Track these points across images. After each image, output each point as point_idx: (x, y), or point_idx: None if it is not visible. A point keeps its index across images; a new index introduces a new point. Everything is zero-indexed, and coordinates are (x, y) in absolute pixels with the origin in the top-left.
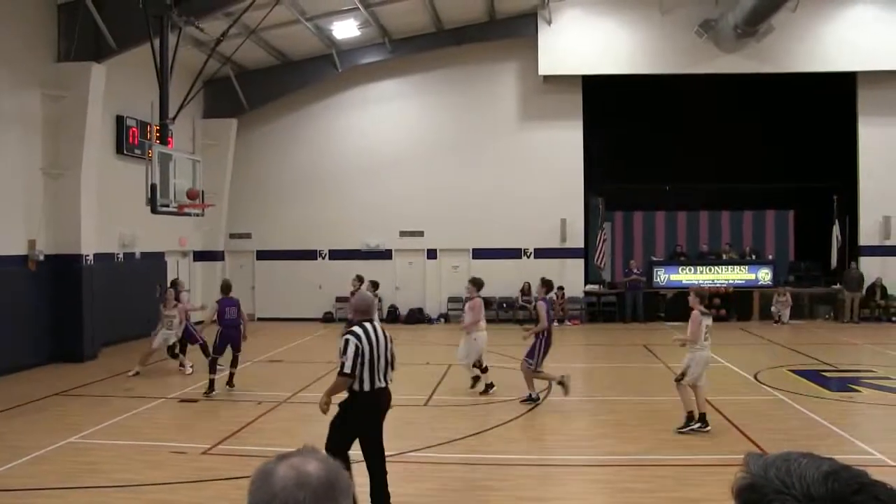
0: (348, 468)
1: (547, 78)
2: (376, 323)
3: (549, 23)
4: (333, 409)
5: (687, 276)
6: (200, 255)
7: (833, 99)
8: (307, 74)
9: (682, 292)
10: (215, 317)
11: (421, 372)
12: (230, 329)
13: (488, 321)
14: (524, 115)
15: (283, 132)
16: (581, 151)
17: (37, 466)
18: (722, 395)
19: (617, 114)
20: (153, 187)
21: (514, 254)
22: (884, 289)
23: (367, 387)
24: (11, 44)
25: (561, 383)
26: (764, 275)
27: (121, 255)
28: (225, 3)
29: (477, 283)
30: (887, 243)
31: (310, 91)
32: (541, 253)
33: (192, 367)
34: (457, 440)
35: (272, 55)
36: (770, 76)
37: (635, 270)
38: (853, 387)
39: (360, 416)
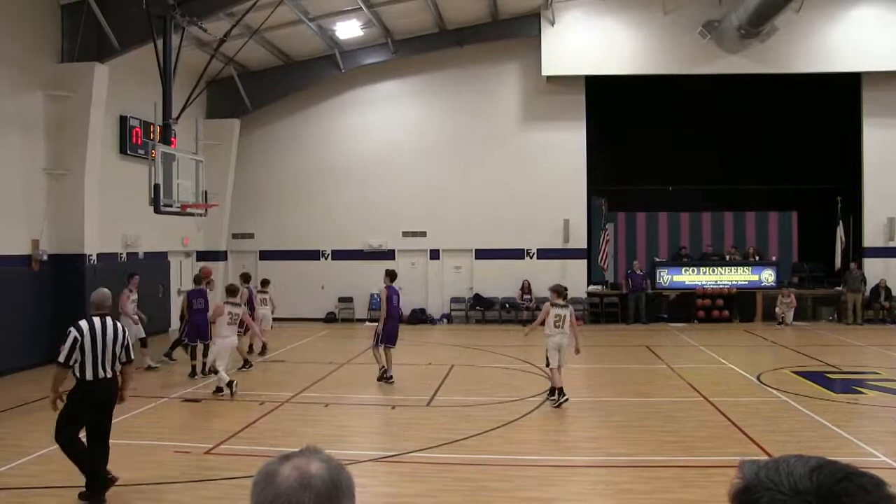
0: (77, 453)
1: (550, 78)
2: (108, 318)
3: (552, 23)
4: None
5: (690, 277)
6: (203, 255)
7: (837, 100)
8: (310, 75)
9: (686, 293)
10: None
11: (423, 373)
12: (200, 316)
13: (492, 321)
14: (527, 116)
15: (286, 132)
16: (584, 152)
17: (39, 466)
18: (725, 396)
19: (620, 114)
20: (156, 187)
21: (517, 254)
22: (888, 290)
23: (89, 376)
24: (14, 44)
25: (382, 376)
26: (767, 276)
27: (124, 255)
28: (228, 3)
29: (230, 291)
30: (891, 245)
31: (312, 91)
32: (544, 253)
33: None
34: (459, 441)
35: (275, 55)
36: (774, 77)
37: (638, 271)
38: (857, 389)
39: (84, 403)
